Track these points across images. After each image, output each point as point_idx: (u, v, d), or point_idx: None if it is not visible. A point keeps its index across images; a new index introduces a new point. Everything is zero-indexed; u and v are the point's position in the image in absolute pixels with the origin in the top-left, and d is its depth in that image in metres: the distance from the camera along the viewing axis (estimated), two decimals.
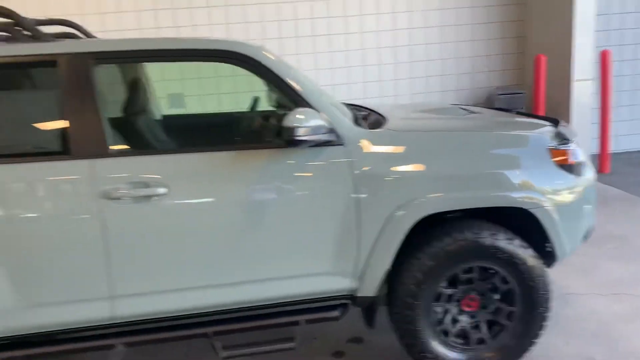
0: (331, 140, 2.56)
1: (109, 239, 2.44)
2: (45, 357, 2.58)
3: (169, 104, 4.99)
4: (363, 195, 2.58)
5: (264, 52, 2.62)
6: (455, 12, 7.08)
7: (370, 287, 2.68)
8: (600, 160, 6.58)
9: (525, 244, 2.72)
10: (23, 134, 2.52)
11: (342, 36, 6.89)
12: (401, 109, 3.53)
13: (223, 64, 2.64)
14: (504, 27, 7.19)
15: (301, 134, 2.39)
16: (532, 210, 2.68)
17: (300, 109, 2.47)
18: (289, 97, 2.62)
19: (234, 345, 2.68)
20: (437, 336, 2.77)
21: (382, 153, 2.61)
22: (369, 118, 3.15)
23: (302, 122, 2.40)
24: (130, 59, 2.73)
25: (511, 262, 2.69)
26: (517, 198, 2.64)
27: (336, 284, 2.68)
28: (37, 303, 2.48)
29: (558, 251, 2.79)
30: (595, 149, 6.86)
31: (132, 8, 6.33)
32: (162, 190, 2.45)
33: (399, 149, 2.63)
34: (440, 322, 2.79)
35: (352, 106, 3.55)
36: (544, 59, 6.30)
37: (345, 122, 2.65)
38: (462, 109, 3.46)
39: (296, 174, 2.55)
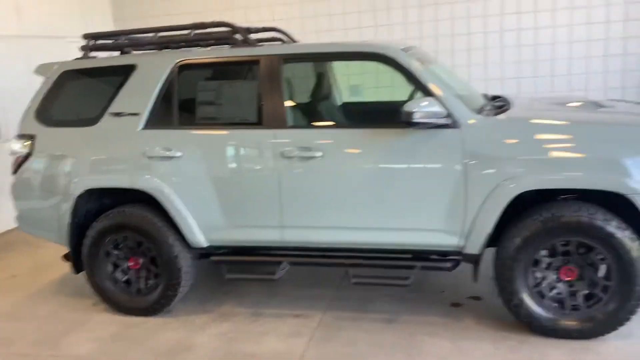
0: (448, 123, 3.21)
1: (282, 185, 3.49)
2: (243, 264, 3.80)
3: (350, 93, 5.95)
4: (471, 170, 3.18)
5: (401, 53, 3.38)
6: None
7: (475, 246, 3.27)
8: None
9: (623, 225, 3.01)
10: (238, 110, 3.69)
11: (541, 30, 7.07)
12: (541, 102, 3.92)
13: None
14: None
15: (417, 117, 3.10)
16: (630, 196, 2.96)
17: (422, 98, 3.18)
18: (419, 88, 3.33)
19: (362, 276, 3.53)
20: (533, 296, 3.23)
21: (490, 136, 3.17)
22: (502, 108, 3.65)
23: (420, 107, 3.11)
24: (304, 59, 3.69)
25: (608, 240, 3.02)
26: (611, 183, 2.96)
27: (446, 240, 3.34)
28: (238, 225, 3.66)
29: None
30: None
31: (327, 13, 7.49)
32: (319, 153, 3.41)
33: (505, 135, 3.15)
34: (538, 284, 3.24)
35: (495, 97, 4.06)
36: None
37: (463, 110, 3.25)
38: (598, 104, 3.71)
39: (416, 148, 3.27)
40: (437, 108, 3.17)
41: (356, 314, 3.76)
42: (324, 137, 3.45)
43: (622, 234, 3.01)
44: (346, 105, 4.93)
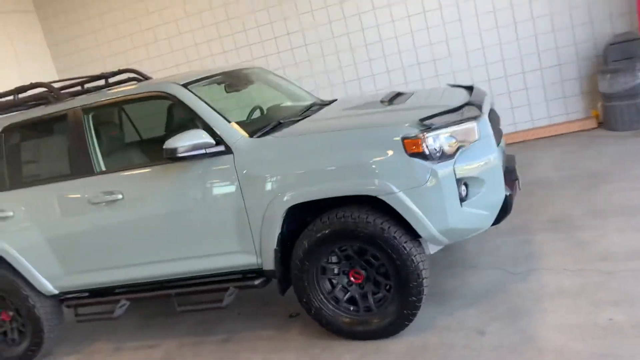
0: (221, 151, 3.33)
1: (100, 230, 3.70)
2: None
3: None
4: (247, 192, 3.29)
5: (177, 87, 3.52)
6: None
7: (269, 262, 3.37)
8: None
9: (388, 224, 3.04)
10: (55, 165, 3.93)
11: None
12: (347, 105, 3.98)
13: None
14: None
15: (182, 151, 3.23)
16: (382, 197, 2.99)
17: (188, 131, 3.30)
18: (197, 120, 3.45)
19: (185, 303, 3.69)
20: (329, 302, 3.30)
21: (258, 157, 3.27)
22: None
23: (182, 142, 3.23)
24: (101, 108, 3.84)
25: (376, 241, 3.07)
26: (362, 187, 3.01)
27: (246, 260, 3.45)
28: (76, 271, 3.89)
29: (421, 231, 3.02)
30: None
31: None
32: (119, 195, 3.60)
33: (269, 154, 3.26)
34: (332, 290, 3.31)
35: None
36: None
37: (236, 135, 3.35)
38: (385, 101, 3.71)
39: (199, 178, 3.40)
40: (203, 139, 3.28)
41: (200, 338, 3.93)
42: (122, 178, 3.64)
43: (389, 233, 3.05)
44: (136, 146, 4.81)
